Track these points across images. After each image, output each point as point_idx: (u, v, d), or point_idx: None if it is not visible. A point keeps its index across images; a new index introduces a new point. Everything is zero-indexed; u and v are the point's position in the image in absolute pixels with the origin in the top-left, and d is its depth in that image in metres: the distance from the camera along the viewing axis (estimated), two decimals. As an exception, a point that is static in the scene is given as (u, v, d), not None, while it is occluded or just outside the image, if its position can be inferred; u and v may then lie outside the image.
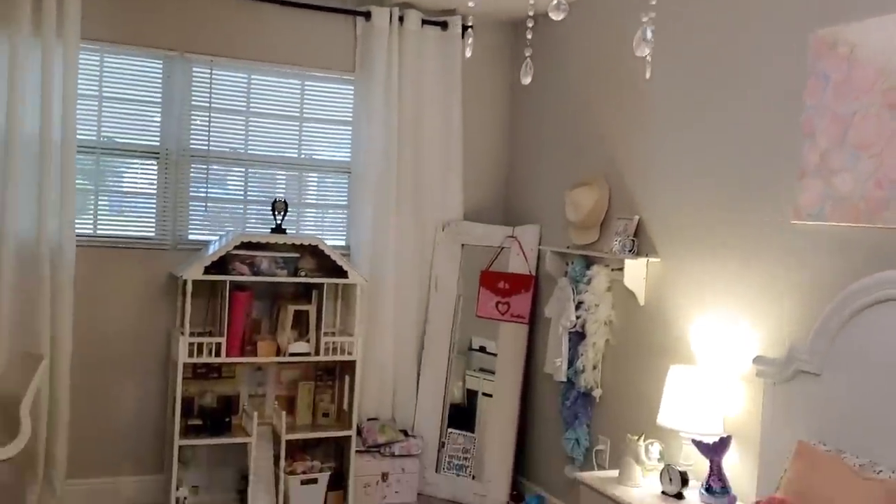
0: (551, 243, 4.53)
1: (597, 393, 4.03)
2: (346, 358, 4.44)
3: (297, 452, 4.51)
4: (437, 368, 4.86)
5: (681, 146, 3.69)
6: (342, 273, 4.44)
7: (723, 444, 3.12)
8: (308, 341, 4.37)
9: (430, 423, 4.84)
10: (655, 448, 3.43)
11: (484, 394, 4.87)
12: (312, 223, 4.84)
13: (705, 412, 3.22)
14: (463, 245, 4.91)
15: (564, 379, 4.15)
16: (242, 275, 4.21)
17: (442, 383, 4.85)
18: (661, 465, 3.38)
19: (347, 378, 4.58)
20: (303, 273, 4.37)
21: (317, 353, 4.37)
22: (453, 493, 4.71)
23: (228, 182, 4.62)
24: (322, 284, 4.39)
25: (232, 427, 4.32)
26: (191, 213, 4.50)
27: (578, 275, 4.13)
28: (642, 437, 3.40)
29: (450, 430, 4.81)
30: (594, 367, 4.03)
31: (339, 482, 4.51)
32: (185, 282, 4.14)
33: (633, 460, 3.29)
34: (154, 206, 4.44)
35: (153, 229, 4.44)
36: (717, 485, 3.09)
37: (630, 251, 3.82)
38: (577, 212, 4.19)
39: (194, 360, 4.13)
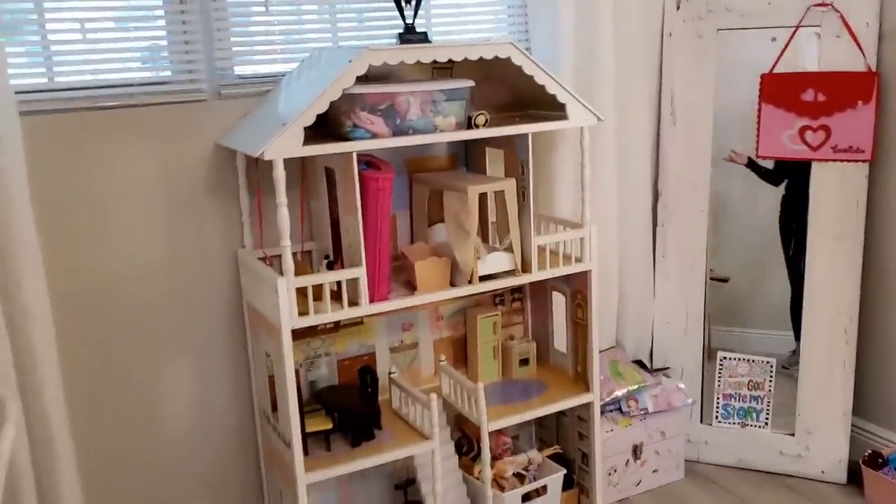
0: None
1: None
2: (573, 269, 2.38)
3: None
4: (686, 258, 2.84)
5: None
6: (551, 109, 2.30)
7: None
8: (509, 249, 2.28)
9: (682, 346, 2.88)
10: None
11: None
12: (453, 26, 2.62)
13: None
14: (719, 31, 2.74)
15: None
16: (377, 135, 2.05)
17: (699, 280, 2.85)
18: None
19: (562, 298, 2.55)
20: (483, 121, 2.20)
21: (525, 268, 2.30)
22: (740, 453, 2.83)
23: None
24: (522, 138, 2.25)
25: (380, 419, 2.32)
26: (234, 22, 2.27)
27: None
28: None
29: (722, 354, 2.87)
30: None
31: (566, 475, 2.59)
32: (267, 164, 1.97)
33: None
34: (163, 16, 2.20)
35: (168, 63, 2.22)
36: None
37: None
38: None
39: (312, 320, 2.05)
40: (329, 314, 2.05)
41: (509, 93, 2.47)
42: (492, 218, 2.46)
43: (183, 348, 2.29)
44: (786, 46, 2.64)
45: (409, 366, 2.55)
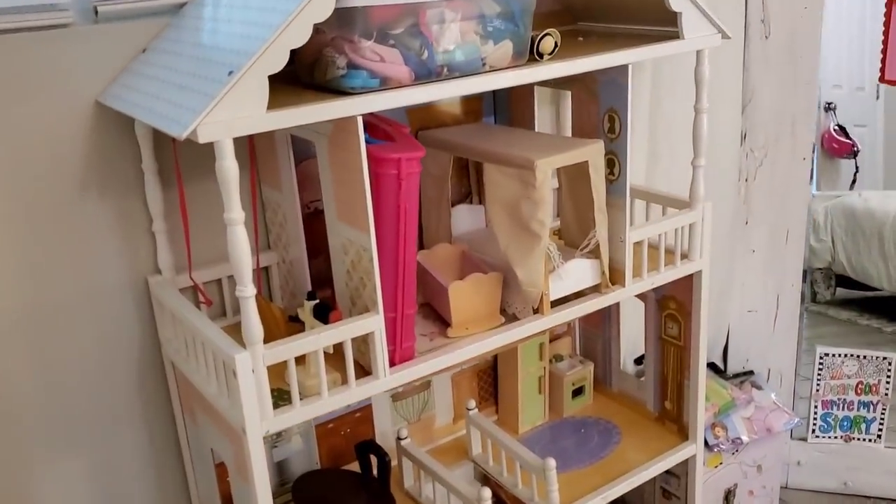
0: None
1: None
2: (679, 272, 1.56)
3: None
4: (779, 224, 2.08)
5: None
6: (626, 22, 1.45)
7: None
8: (593, 252, 1.44)
9: (770, 342, 2.15)
10: None
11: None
12: None
13: None
14: None
15: None
16: (390, 81, 1.14)
17: (796, 254, 2.10)
18: None
19: (640, 304, 1.75)
20: (552, 46, 1.32)
21: (615, 278, 1.47)
22: (845, 475, 2.17)
23: None
24: (611, 74, 1.38)
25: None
26: None
27: None
28: None
29: (822, 349, 2.15)
30: None
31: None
32: (210, 147, 1.05)
33: None
34: None
35: (-10, -38, 1.25)
36: None
37: None
38: None
39: (298, 414, 1.18)
40: (325, 400, 1.19)
41: (555, -1, 1.61)
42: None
43: (69, 441, 1.40)
44: (932, -80, 1.84)
45: (420, 416, 1.73)
